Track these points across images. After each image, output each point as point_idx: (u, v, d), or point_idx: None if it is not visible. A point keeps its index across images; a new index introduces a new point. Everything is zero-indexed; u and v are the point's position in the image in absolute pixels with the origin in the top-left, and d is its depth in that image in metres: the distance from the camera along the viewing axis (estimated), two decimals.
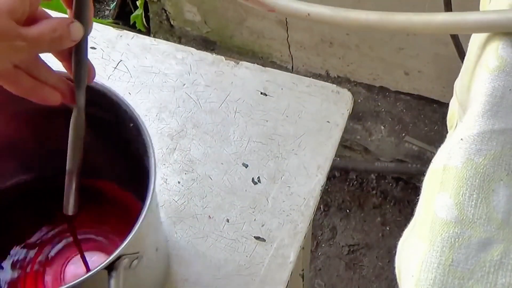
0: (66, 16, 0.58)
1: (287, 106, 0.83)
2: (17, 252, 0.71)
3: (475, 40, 0.45)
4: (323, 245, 1.53)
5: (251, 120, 0.82)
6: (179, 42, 1.60)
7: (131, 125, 0.62)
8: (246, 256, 0.73)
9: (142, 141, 0.60)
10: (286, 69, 1.54)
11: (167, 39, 1.55)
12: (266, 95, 0.83)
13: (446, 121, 0.51)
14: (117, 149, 0.67)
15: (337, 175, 1.60)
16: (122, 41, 0.88)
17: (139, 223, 0.56)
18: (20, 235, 0.72)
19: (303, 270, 0.90)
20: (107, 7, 1.85)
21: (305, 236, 0.74)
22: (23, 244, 0.72)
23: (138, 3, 1.56)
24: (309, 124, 0.81)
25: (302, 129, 0.81)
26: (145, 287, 0.68)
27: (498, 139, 0.38)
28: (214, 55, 0.87)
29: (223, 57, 0.87)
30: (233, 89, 0.84)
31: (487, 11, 0.41)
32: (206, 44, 1.58)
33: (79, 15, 0.59)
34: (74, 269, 0.70)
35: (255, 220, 0.74)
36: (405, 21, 0.44)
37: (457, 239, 0.37)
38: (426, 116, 1.49)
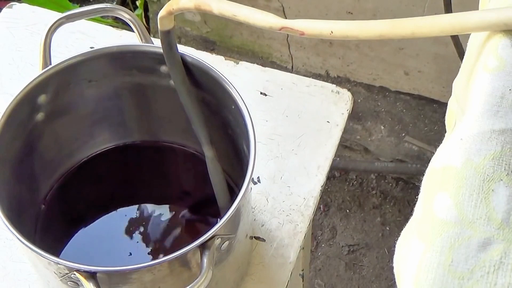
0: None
1: (287, 106, 0.82)
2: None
3: (474, 40, 0.44)
4: (323, 245, 1.53)
5: None
6: (179, 42, 1.60)
7: (233, 107, 0.62)
8: None
9: (243, 123, 0.60)
10: (286, 69, 1.54)
11: None
12: (266, 95, 0.83)
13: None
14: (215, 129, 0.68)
15: (337, 175, 1.60)
16: (122, 41, 0.88)
17: (236, 203, 0.54)
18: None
19: (303, 270, 0.90)
20: None
21: (305, 236, 0.74)
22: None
23: (138, 3, 1.56)
24: (309, 124, 0.81)
25: (302, 129, 0.81)
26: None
27: (498, 139, 0.38)
28: (213, 55, 0.87)
29: (223, 57, 0.86)
30: None
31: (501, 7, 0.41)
32: (205, 44, 1.58)
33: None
34: None
35: (255, 220, 0.74)
36: (412, 26, 0.44)
37: (456, 239, 0.37)
38: (426, 116, 1.49)
